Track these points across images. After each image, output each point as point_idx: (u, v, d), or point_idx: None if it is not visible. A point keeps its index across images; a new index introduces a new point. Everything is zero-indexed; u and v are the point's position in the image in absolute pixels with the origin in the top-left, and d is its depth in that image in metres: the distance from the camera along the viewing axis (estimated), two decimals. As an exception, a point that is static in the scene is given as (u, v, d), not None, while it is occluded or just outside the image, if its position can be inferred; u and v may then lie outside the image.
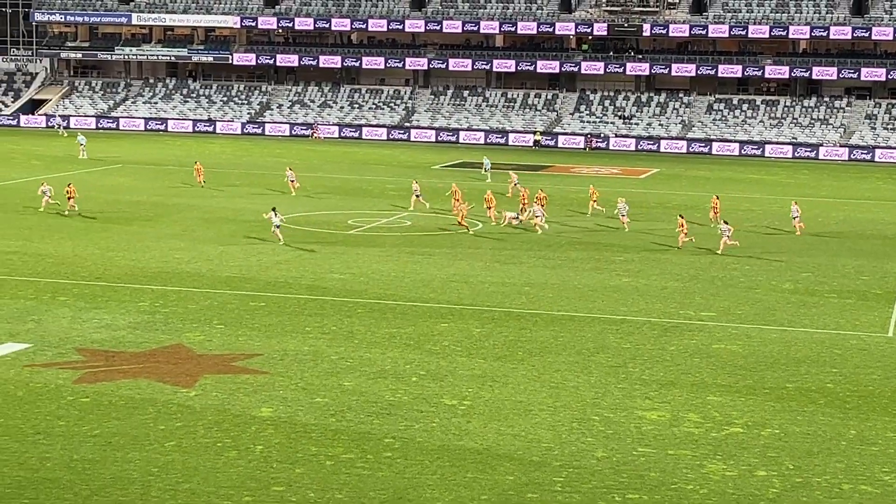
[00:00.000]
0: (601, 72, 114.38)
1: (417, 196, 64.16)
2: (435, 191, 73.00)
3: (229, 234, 55.65)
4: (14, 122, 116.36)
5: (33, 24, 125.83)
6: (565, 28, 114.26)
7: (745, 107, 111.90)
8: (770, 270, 49.90)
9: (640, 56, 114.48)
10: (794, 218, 59.55)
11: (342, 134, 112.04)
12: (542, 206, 59.59)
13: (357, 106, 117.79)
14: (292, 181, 69.10)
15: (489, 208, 60.37)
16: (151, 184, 72.57)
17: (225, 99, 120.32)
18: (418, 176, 77.73)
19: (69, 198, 60.17)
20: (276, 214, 53.20)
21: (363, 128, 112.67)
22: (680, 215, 56.17)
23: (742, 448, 27.68)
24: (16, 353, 34.21)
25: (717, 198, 62.93)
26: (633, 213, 62.02)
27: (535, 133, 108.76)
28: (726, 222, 53.92)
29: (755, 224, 62.45)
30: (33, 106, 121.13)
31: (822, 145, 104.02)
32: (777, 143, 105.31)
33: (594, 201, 63.64)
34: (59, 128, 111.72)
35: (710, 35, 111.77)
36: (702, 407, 30.72)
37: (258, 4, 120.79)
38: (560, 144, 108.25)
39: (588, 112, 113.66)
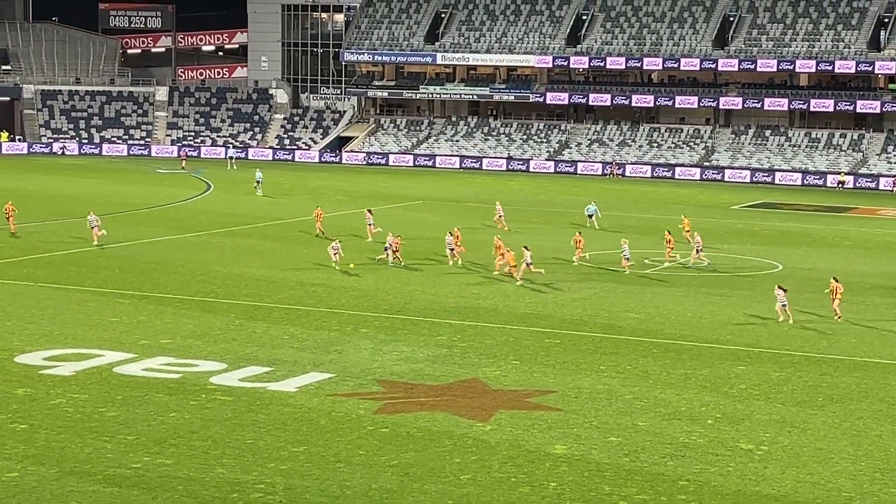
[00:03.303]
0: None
1: (370, 225, 65.10)
2: (733, 232, 72.11)
3: (527, 271, 56.02)
4: (336, 160, 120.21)
5: (343, 63, 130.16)
6: (885, 67, 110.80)
7: None
8: None
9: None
10: None
11: (641, 172, 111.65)
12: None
13: (656, 145, 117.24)
14: (500, 216, 70.14)
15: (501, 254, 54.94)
16: (451, 220, 73.78)
17: (525, 137, 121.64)
18: (718, 216, 76.77)
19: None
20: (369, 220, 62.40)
21: (662, 166, 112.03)
22: (834, 278, 47.38)
23: None
24: (319, 383, 35.32)
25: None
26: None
27: (840, 174, 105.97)
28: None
29: None
30: (340, 143, 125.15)
31: None
32: None
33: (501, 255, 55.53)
34: (230, 161, 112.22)
35: None
36: None
37: (560, 44, 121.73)
38: (867, 185, 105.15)
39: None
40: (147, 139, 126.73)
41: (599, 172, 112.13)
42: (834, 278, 47.09)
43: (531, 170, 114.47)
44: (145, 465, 27.76)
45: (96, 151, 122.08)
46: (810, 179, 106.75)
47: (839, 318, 45.75)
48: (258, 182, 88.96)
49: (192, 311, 45.32)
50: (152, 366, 36.81)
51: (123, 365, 36.81)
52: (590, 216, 72.51)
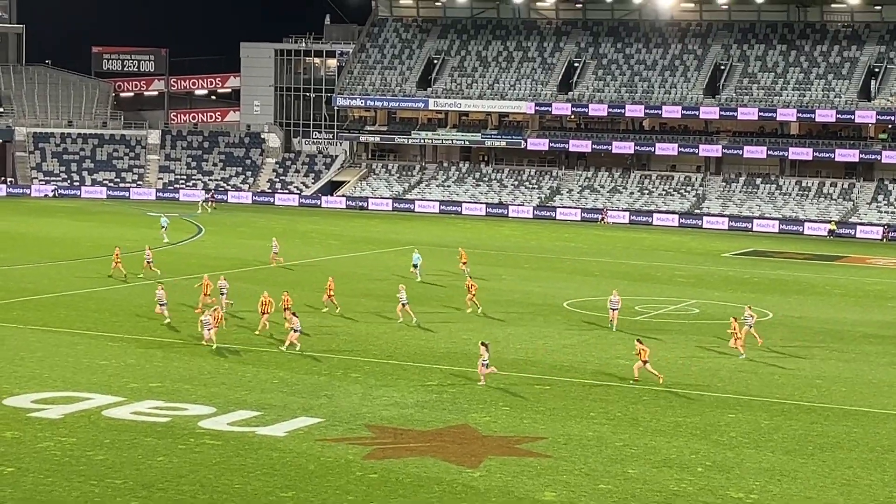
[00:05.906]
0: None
1: (149, 262, 65.86)
2: (723, 279, 72.22)
3: (517, 316, 56.12)
4: (345, 205, 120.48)
5: (335, 108, 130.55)
6: (876, 116, 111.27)
7: None
8: None
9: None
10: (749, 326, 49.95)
11: (631, 219, 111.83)
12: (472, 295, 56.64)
13: (647, 192, 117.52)
14: (275, 253, 72.21)
15: (264, 313, 50.34)
16: (441, 265, 73.82)
17: (516, 183, 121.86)
18: (708, 264, 76.80)
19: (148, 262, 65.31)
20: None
21: (653, 213, 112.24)
22: (638, 340, 44.04)
23: None
24: (308, 427, 35.22)
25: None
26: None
27: (830, 222, 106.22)
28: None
29: None
30: (332, 187, 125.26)
31: None
32: None
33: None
34: (209, 202, 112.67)
35: None
36: None
37: (552, 91, 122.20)
38: (857, 235, 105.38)
39: (886, 202, 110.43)
40: (139, 182, 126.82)
41: (591, 218, 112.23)
42: (638, 340, 43.67)
43: (522, 216, 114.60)
44: (133, 509, 27.63)
45: (88, 194, 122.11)
46: (801, 228, 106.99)
47: (661, 379, 42.36)
48: (164, 228, 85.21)
49: (181, 355, 45.23)
50: (141, 409, 36.70)
51: (112, 408, 36.70)
52: (415, 266, 67.83)
